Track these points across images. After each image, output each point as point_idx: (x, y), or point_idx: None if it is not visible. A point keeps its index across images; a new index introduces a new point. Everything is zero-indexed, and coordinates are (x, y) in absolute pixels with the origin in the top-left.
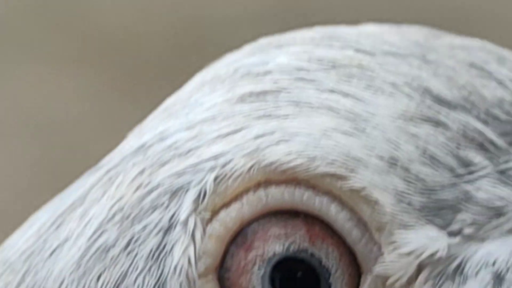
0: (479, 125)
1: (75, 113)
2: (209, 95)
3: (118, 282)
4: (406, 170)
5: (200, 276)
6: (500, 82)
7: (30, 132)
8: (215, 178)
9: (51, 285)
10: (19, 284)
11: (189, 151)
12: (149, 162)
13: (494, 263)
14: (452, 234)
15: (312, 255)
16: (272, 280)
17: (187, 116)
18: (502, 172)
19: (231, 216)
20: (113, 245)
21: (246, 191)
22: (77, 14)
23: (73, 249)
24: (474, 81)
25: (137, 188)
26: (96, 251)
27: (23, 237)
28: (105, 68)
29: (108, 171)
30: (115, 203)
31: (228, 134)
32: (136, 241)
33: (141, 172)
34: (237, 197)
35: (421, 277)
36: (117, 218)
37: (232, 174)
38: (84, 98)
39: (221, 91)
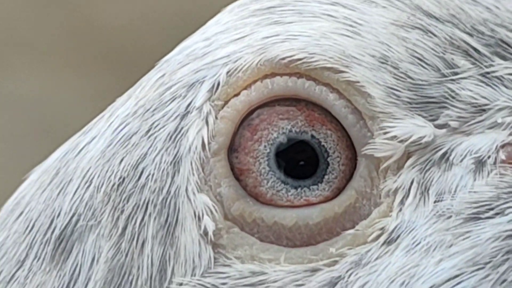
0: (465, 36)
1: (75, 113)
2: (224, 17)
3: (138, 162)
4: (396, 68)
5: (213, 154)
6: (487, 7)
7: (30, 132)
8: (227, 72)
9: (79, 174)
10: (51, 180)
11: (204, 54)
12: (170, 68)
13: (477, 152)
14: (438, 126)
15: (312, 136)
16: (278, 165)
17: (204, 33)
18: (484, 75)
19: (240, 100)
20: (135, 133)
21: (254, 82)
22: (78, 15)
23: (99, 143)
24: (462, 5)
25: (158, 87)
26: (119, 140)
27: (58, 151)
28: (106, 69)
29: (135, 87)
30: (138, 102)
31: (239, 38)
32: (156, 126)
33: (162, 76)
34: (246, 87)
35: (409, 162)
36: (139, 111)
37: (242, 67)
38: (84, 98)
39: (235, 13)
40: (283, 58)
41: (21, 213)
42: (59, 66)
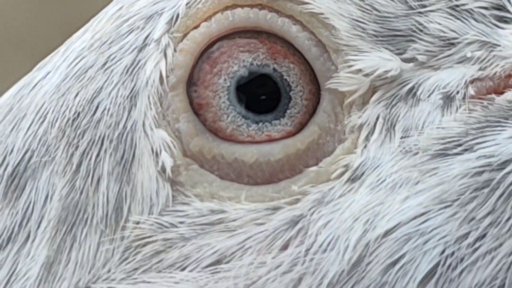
0: None
1: None
2: None
3: (94, 96)
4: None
5: (171, 88)
6: None
7: None
8: (187, 3)
9: (32, 110)
10: (4, 116)
11: None
12: (128, 0)
13: (445, 87)
14: (405, 60)
15: (274, 70)
16: (238, 99)
17: None
18: (453, 8)
19: (200, 32)
20: (91, 66)
21: (214, 14)
22: (77, 14)
23: (54, 77)
24: None
25: (116, 20)
26: (75, 74)
27: (13, 88)
28: None
29: (92, 20)
30: (94, 35)
31: None
32: (112, 59)
33: (120, 8)
34: (206, 19)
35: (375, 97)
36: (96, 44)
37: None
38: None
39: None
40: None
41: None
42: None
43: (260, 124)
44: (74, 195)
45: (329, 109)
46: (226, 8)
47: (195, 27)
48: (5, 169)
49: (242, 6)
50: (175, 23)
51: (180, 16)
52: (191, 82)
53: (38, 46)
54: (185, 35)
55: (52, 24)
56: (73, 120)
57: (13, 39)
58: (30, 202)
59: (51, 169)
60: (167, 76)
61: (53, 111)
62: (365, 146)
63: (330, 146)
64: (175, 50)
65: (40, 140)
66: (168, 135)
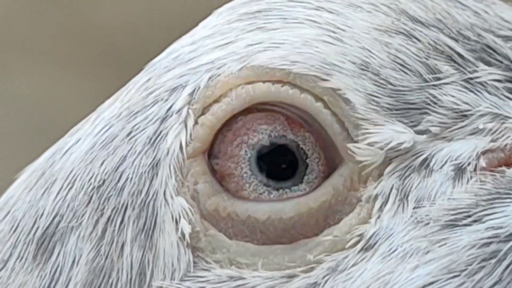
0: (449, 41)
1: (74, 113)
2: (212, 21)
3: (118, 165)
4: (376, 74)
5: (188, 157)
6: (475, 12)
7: (30, 132)
8: (210, 77)
9: (62, 175)
10: (37, 180)
11: (189, 59)
12: (156, 72)
13: (457, 158)
14: (419, 132)
15: (291, 140)
16: (259, 169)
17: (192, 37)
18: (467, 81)
19: (222, 108)
20: (117, 135)
21: (236, 87)
22: (77, 15)
23: (84, 144)
24: (449, 9)
25: (143, 91)
26: (102, 142)
27: (48, 151)
28: (104, 68)
29: (122, 89)
30: (123, 104)
31: (224, 44)
32: (137, 129)
33: (148, 80)
34: (227, 93)
35: (389, 169)
36: (123, 114)
37: (225, 74)
38: (83, 98)
39: (223, 16)
40: (266, 67)
41: (8, 212)
42: (57, 66)
43: (281, 191)
44: (99, 260)
45: (346, 174)
46: (248, 83)
47: (216, 101)
48: (35, 232)
49: (263, 81)
50: (196, 95)
51: (201, 88)
52: (212, 154)
53: (39, 49)
54: (206, 107)
55: (53, 27)
56: (98, 188)
57: (13, 41)
58: (58, 265)
59: (78, 234)
60: (186, 146)
61: (81, 178)
62: (379, 216)
63: (340, 209)
64: (196, 122)
65: (68, 205)
66: (187, 202)
